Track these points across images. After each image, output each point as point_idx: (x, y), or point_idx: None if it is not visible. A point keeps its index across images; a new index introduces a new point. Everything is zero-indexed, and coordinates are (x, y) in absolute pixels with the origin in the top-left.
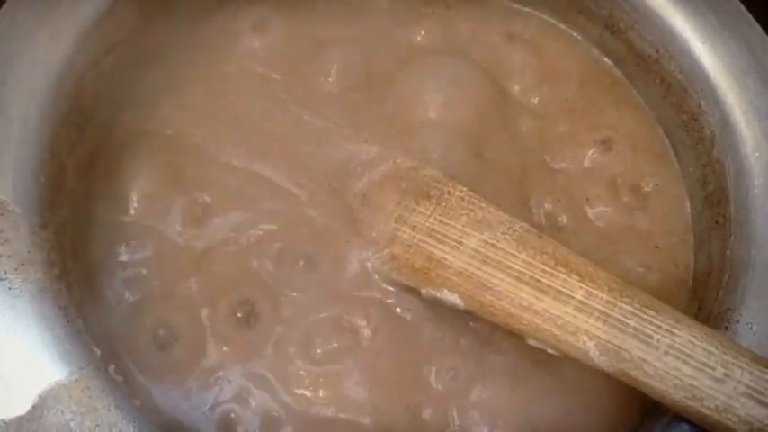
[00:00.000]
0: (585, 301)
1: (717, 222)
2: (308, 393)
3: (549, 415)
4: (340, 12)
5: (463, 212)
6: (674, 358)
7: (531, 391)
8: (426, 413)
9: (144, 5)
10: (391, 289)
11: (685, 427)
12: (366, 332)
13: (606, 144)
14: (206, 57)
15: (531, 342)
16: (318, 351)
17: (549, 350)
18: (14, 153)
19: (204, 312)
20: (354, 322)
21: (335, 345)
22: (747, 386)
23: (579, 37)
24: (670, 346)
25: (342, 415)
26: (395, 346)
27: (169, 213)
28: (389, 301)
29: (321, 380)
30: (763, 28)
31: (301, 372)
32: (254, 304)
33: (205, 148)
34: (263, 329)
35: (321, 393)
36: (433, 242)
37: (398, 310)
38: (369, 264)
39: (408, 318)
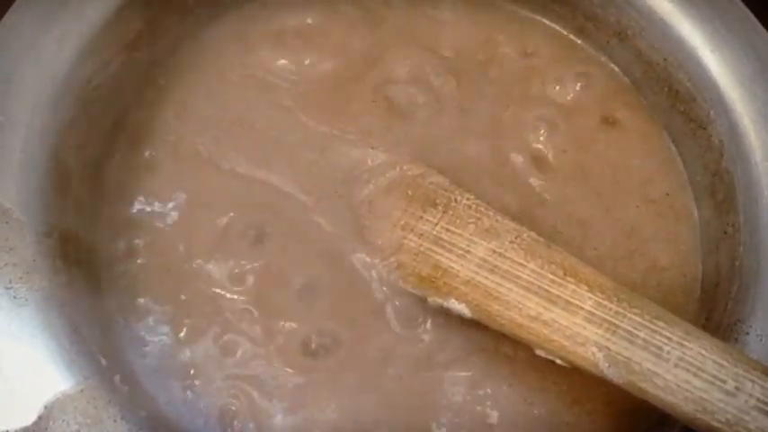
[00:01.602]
0: (595, 311)
1: (725, 232)
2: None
3: (556, 423)
4: (347, 19)
5: (470, 221)
6: (684, 371)
7: (537, 399)
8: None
9: (149, 11)
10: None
11: None
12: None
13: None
14: (210, 63)
15: (540, 352)
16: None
17: (558, 361)
18: (19, 159)
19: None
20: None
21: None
22: (758, 399)
23: (586, 44)
24: (680, 359)
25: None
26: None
27: (175, 221)
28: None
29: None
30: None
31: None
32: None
33: (209, 155)
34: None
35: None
36: (439, 250)
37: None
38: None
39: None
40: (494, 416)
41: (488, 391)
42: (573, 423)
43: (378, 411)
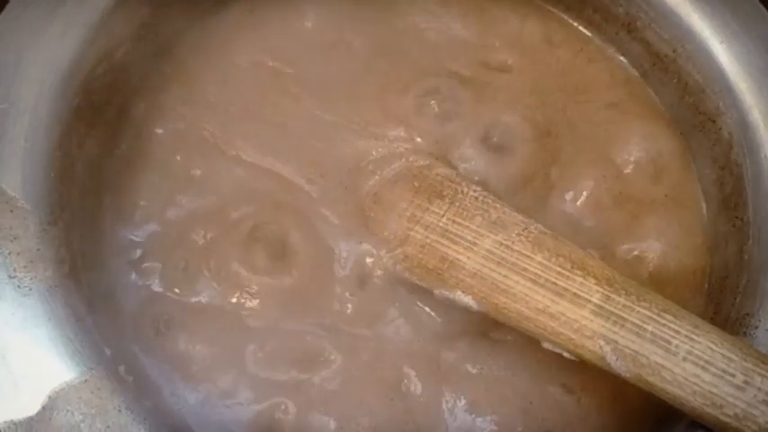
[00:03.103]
0: (603, 304)
1: (734, 225)
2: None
3: (563, 417)
4: (357, 8)
5: (477, 212)
6: (692, 365)
7: (544, 392)
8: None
9: None
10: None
11: None
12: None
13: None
14: (217, 49)
15: (547, 346)
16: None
17: (565, 354)
18: (24, 148)
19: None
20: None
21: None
22: None
23: (595, 35)
24: (689, 353)
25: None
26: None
27: (180, 209)
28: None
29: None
30: None
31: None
32: None
33: (215, 141)
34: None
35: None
36: (446, 242)
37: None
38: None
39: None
40: None
41: None
42: (577, 421)
43: None
